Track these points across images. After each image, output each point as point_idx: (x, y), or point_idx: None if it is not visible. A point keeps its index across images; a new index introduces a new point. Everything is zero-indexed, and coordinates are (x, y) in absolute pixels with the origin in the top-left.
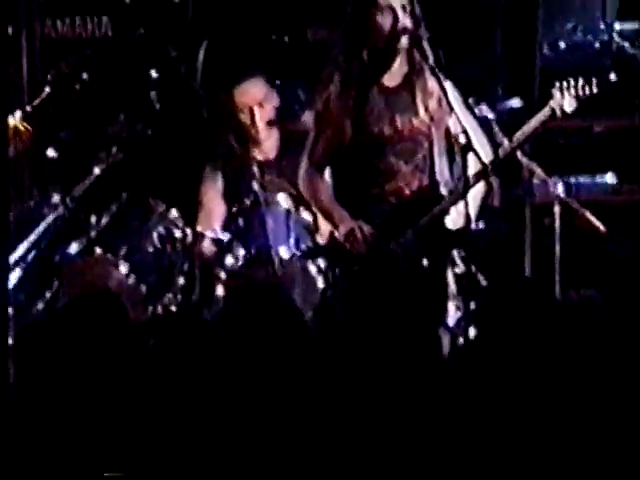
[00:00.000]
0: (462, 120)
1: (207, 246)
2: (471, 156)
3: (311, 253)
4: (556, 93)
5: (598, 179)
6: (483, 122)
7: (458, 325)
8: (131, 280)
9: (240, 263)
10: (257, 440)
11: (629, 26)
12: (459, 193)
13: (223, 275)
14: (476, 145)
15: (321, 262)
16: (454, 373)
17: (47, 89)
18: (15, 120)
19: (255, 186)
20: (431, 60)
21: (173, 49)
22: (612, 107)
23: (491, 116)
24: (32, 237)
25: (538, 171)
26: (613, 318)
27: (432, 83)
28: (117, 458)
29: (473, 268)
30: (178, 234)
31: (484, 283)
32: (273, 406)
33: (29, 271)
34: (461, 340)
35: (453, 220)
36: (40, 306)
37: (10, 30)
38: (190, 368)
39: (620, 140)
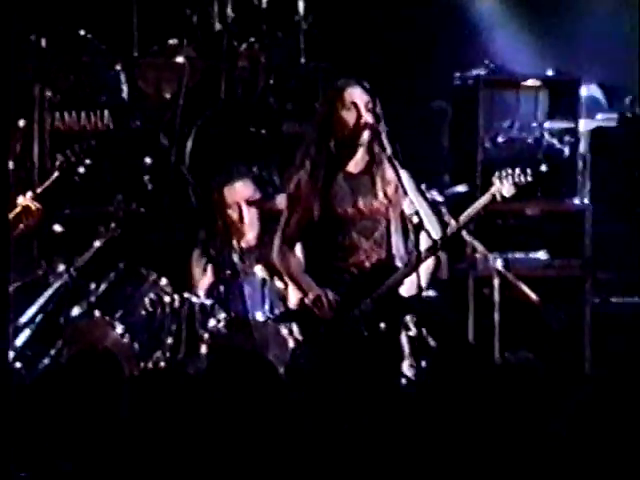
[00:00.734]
0: (415, 203)
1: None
2: (422, 234)
3: (283, 317)
4: (496, 181)
5: (532, 255)
6: (433, 205)
7: (411, 381)
8: (125, 339)
9: (221, 325)
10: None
11: (557, 125)
12: (412, 266)
13: (206, 336)
14: (427, 225)
15: (292, 325)
16: (407, 421)
17: (56, 173)
18: (26, 199)
19: (235, 258)
20: (389, 151)
21: (165, 139)
22: (543, 193)
23: (440, 200)
24: (40, 302)
25: (480, 248)
26: (546, 377)
27: (390, 171)
28: None
29: (424, 331)
30: (167, 299)
31: (433, 344)
32: (251, 447)
33: (37, 331)
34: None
35: (407, 289)
36: (46, 361)
37: (22, 122)
38: (177, 418)
39: (550, 221)
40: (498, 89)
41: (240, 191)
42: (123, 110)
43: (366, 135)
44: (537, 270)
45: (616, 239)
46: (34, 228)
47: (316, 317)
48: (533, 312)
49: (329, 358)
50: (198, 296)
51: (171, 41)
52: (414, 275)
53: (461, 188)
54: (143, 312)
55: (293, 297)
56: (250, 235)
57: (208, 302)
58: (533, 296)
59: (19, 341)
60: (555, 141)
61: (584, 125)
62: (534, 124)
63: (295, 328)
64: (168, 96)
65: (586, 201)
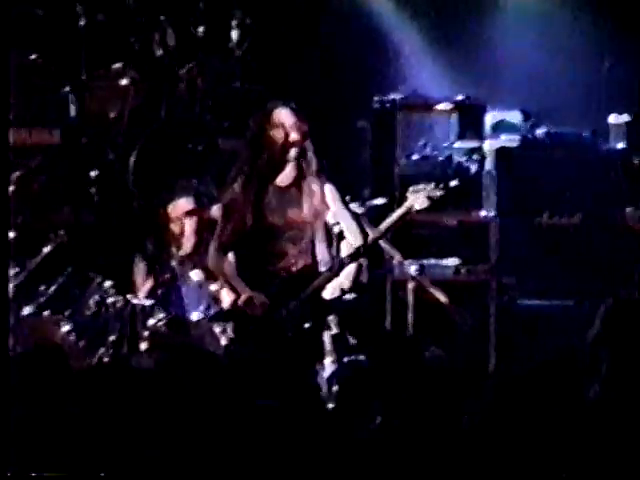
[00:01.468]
0: (338, 214)
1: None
2: (344, 242)
3: (217, 317)
4: (410, 195)
5: (443, 262)
6: (355, 216)
7: (333, 375)
8: (72, 337)
9: (160, 324)
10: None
11: (465, 144)
12: (335, 271)
13: (146, 334)
14: (349, 234)
15: (225, 324)
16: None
17: (11, 188)
18: None
19: (174, 264)
20: (315, 167)
21: (110, 154)
22: (453, 206)
23: (361, 211)
24: None
25: (396, 255)
26: (454, 372)
27: (315, 185)
28: None
29: (345, 330)
30: (111, 300)
31: (353, 342)
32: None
33: None
34: (335, 388)
35: (330, 292)
36: None
37: None
38: (120, 409)
39: (460, 231)
40: (414, 111)
41: (182, 207)
42: (72, 128)
43: (293, 152)
44: (448, 275)
45: (518, 246)
46: None
47: (247, 316)
48: (443, 312)
49: (258, 354)
50: (139, 298)
51: (116, 65)
52: (336, 279)
53: (380, 201)
54: (89, 312)
55: (226, 298)
56: (188, 243)
57: (148, 303)
58: (443, 298)
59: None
60: (464, 159)
61: (490, 145)
62: (445, 144)
63: (228, 327)
64: (113, 115)
65: (492, 213)
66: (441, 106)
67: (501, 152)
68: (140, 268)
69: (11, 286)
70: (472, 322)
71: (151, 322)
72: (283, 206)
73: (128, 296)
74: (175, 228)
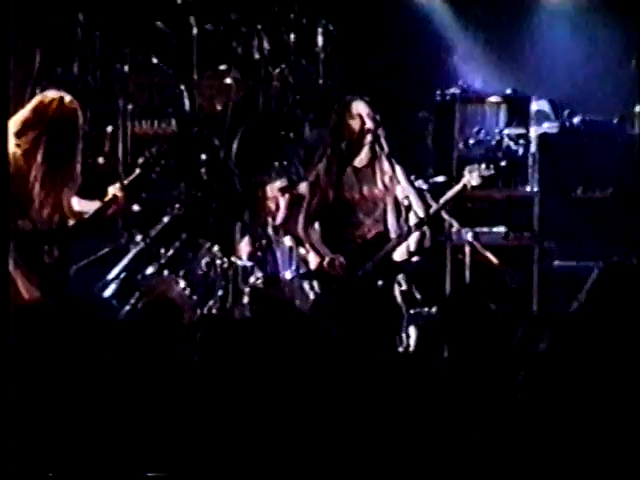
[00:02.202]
0: (405, 190)
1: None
2: (411, 213)
3: (306, 276)
4: (466, 173)
5: (494, 229)
6: (420, 191)
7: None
8: (187, 292)
9: (259, 282)
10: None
11: (513, 131)
12: (403, 237)
13: (247, 290)
14: (415, 206)
15: (312, 282)
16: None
17: (137, 170)
18: (115, 189)
19: (270, 231)
20: (386, 150)
21: (216, 140)
22: (503, 183)
23: (425, 187)
24: (123, 263)
25: (455, 224)
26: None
27: (387, 165)
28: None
29: (412, 287)
30: (218, 262)
31: (419, 297)
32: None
33: (120, 285)
34: (404, 334)
35: (399, 255)
36: (127, 308)
37: (110, 128)
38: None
39: (508, 204)
40: (469, 104)
41: (278, 188)
42: (185, 119)
43: (368, 138)
44: (498, 241)
45: (557, 217)
46: (121, 211)
47: (330, 276)
48: (495, 272)
49: (340, 307)
50: (241, 259)
51: (221, 67)
52: (405, 244)
53: (441, 179)
54: (200, 272)
55: (313, 261)
56: (281, 215)
57: (249, 264)
58: (495, 260)
59: (107, 293)
60: (512, 143)
61: (534, 131)
62: (496, 130)
63: (315, 284)
64: (219, 108)
65: (535, 189)
66: (492, 99)
67: (543, 137)
68: (241, 236)
69: (135, 251)
70: (519, 280)
71: (251, 280)
72: (360, 183)
73: (232, 258)
74: (271, 204)
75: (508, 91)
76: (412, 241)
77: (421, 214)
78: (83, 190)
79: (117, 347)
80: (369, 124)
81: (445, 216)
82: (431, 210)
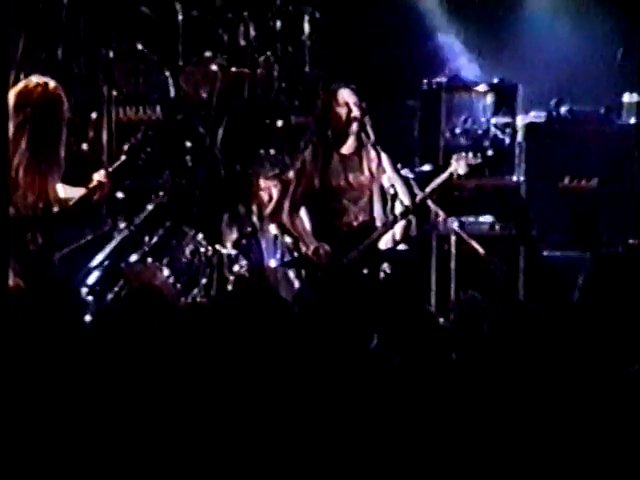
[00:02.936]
0: (391, 178)
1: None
2: (397, 202)
3: (291, 264)
4: (453, 162)
5: (480, 219)
6: (406, 180)
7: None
8: (170, 280)
9: (243, 270)
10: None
11: (500, 120)
12: (389, 226)
13: (232, 278)
14: (400, 195)
15: (298, 270)
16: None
17: (123, 157)
18: (100, 176)
19: (254, 219)
20: (372, 138)
21: (201, 128)
22: (489, 172)
23: (411, 176)
24: (107, 250)
25: (441, 212)
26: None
27: (373, 153)
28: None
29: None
30: (202, 250)
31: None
32: (268, 370)
33: (104, 273)
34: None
35: (385, 243)
36: (110, 296)
37: (94, 115)
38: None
39: (495, 193)
40: (456, 92)
41: (271, 181)
42: (170, 106)
43: (355, 126)
44: (484, 230)
45: (544, 206)
46: (105, 198)
47: (315, 264)
48: (480, 262)
49: (324, 295)
50: (226, 248)
51: (207, 54)
52: (390, 233)
53: (427, 167)
54: (184, 259)
55: (298, 249)
56: (271, 205)
57: (233, 252)
58: (480, 250)
59: (91, 280)
60: (499, 132)
61: (521, 120)
62: (483, 119)
63: (300, 272)
64: (204, 95)
65: (521, 178)
66: (479, 87)
67: (530, 126)
68: (227, 224)
69: (119, 238)
70: (504, 269)
71: (235, 268)
72: (346, 171)
73: (217, 246)
74: (264, 195)
75: (495, 80)
76: (398, 230)
77: (407, 202)
78: (67, 177)
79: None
80: (355, 112)
81: (431, 205)
82: (417, 199)
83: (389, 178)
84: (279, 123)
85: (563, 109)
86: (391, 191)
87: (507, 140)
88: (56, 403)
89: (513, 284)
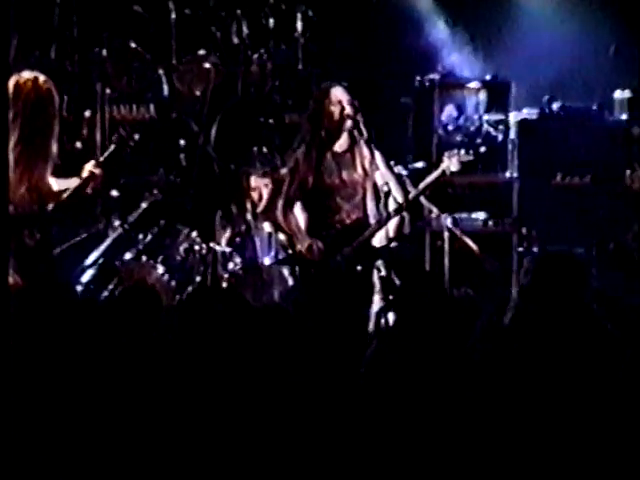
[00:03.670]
0: (385, 175)
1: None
2: (390, 199)
3: (285, 261)
4: (445, 159)
5: (473, 215)
6: (399, 177)
7: (381, 311)
8: (165, 278)
9: (237, 268)
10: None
11: (493, 117)
12: (382, 223)
13: (226, 276)
14: (394, 192)
15: (292, 268)
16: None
17: (113, 146)
18: (91, 166)
19: (248, 217)
20: (365, 136)
21: (195, 126)
22: (482, 168)
23: (404, 173)
24: (101, 248)
25: (434, 209)
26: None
27: (366, 151)
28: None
29: (391, 272)
30: (197, 248)
31: (398, 282)
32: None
33: (98, 271)
34: (382, 321)
35: (378, 240)
36: (105, 294)
37: (88, 113)
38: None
39: (488, 190)
40: (449, 89)
41: (262, 181)
42: (164, 104)
43: (348, 124)
44: (477, 227)
45: (536, 203)
46: (97, 190)
47: (309, 261)
48: (474, 258)
49: (318, 292)
50: (220, 245)
51: (200, 52)
52: (384, 230)
53: (420, 165)
54: (178, 257)
55: (292, 246)
56: (264, 204)
57: (228, 250)
58: (474, 246)
59: (85, 278)
60: (491, 129)
61: (513, 117)
62: (476, 116)
63: (294, 270)
64: (198, 93)
65: (515, 174)
66: (472, 84)
67: (522, 123)
68: (221, 222)
69: (114, 236)
70: (497, 266)
71: (230, 266)
72: (339, 169)
73: (211, 244)
74: (255, 194)
75: (488, 77)
76: (391, 227)
77: (400, 200)
78: (62, 175)
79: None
80: (348, 110)
81: (424, 202)
82: (410, 195)
83: (382, 175)
84: (272, 121)
85: (555, 106)
86: (384, 188)
87: (500, 137)
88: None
89: (506, 281)
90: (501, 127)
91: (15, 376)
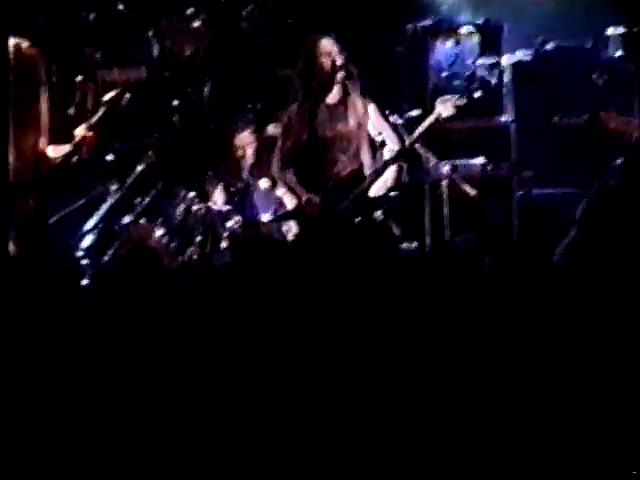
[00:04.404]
0: (379, 125)
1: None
2: (386, 148)
3: (284, 217)
4: (438, 105)
5: (472, 161)
6: (394, 126)
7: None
8: (165, 239)
9: (237, 226)
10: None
11: (487, 61)
12: (379, 172)
13: (226, 234)
14: (388, 141)
15: (291, 223)
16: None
17: (104, 107)
18: (82, 129)
19: (245, 174)
20: (358, 86)
21: (188, 86)
22: (478, 113)
23: (400, 122)
24: (99, 213)
25: (432, 157)
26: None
27: (359, 102)
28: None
29: (391, 222)
30: (195, 208)
31: (398, 233)
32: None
33: (98, 235)
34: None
35: (377, 190)
36: (106, 258)
37: (80, 77)
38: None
39: (485, 134)
40: (441, 35)
41: (244, 138)
42: (155, 65)
43: (339, 75)
44: (476, 172)
45: (534, 145)
46: (91, 154)
47: (308, 215)
48: (474, 204)
49: (321, 242)
50: (218, 204)
51: (189, 10)
52: (381, 179)
53: (415, 113)
54: (178, 218)
55: (289, 201)
56: (249, 162)
57: (225, 209)
58: (473, 192)
59: (85, 243)
60: (486, 74)
61: (507, 60)
62: (469, 61)
63: (293, 224)
64: (189, 53)
65: (511, 118)
66: (464, 29)
67: (517, 65)
68: (214, 182)
69: (112, 199)
70: (498, 210)
71: (229, 224)
72: (333, 121)
73: (209, 203)
74: (240, 152)
75: (480, 21)
76: (389, 176)
77: (396, 148)
78: (57, 142)
79: (98, 298)
80: (339, 61)
81: (421, 150)
82: (406, 143)
83: (376, 125)
84: (266, 77)
85: (549, 46)
86: (379, 138)
87: (494, 80)
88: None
89: (506, 223)
90: (495, 70)
91: (15, 350)
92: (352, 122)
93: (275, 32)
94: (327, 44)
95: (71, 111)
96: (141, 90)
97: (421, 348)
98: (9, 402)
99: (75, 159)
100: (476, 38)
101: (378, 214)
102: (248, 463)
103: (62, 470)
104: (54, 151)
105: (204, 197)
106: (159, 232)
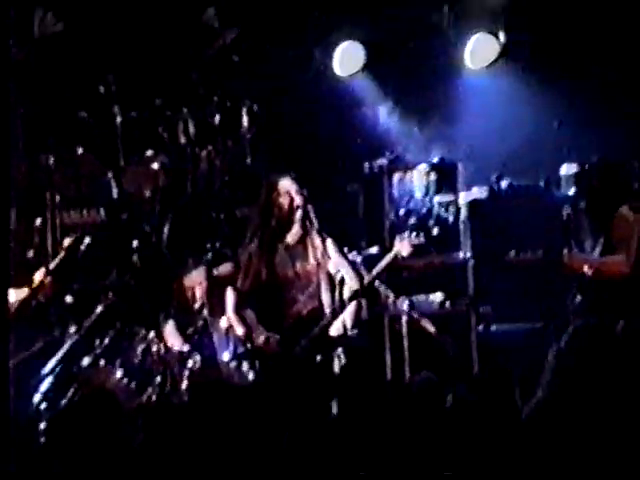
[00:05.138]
0: (338, 263)
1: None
2: (345, 287)
3: (243, 356)
4: (397, 243)
5: (430, 297)
6: (353, 264)
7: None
8: (124, 381)
9: (197, 366)
10: None
11: (444, 198)
12: (338, 311)
13: (186, 373)
14: (347, 279)
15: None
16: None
17: (62, 253)
18: (41, 275)
19: (205, 313)
20: (316, 225)
21: (147, 226)
22: (435, 250)
23: (358, 260)
24: (58, 356)
25: (390, 294)
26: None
27: (318, 240)
28: None
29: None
30: (154, 348)
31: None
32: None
33: (57, 378)
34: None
35: (336, 329)
36: (64, 401)
37: (39, 221)
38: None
39: (442, 270)
40: (398, 173)
41: (195, 279)
42: (114, 207)
43: (298, 214)
44: (435, 308)
45: (491, 281)
46: (50, 298)
47: (268, 354)
48: (433, 340)
49: (278, 383)
50: (177, 345)
51: (148, 153)
52: (340, 318)
53: (374, 250)
54: (136, 360)
55: (250, 340)
56: (199, 303)
57: (185, 348)
58: (431, 329)
59: (43, 387)
60: (442, 211)
61: (464, 197)
62: (426, 199)
63: (253, 363)
64: (148, 194)
65: (468, 254)
66: (420, 167)
67: (473, 203)
68: (169, 324)
69: (70, 342)
70: (456, 346)
71: (189, 364)
72: (292, 260)
73: (168, 344)
74: (188, 294)
75: (435, 159)
76: (348, 314)
77: (355, 286)
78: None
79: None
80: (298, 200)
81: (380, 287)
82: (365, 281)
83: (335, 264)
84: (223, 216)
85: (504, 184)
86: (339, 276)
87: (451, 218)
88: None
89: (465, 359)
90: (452, 208)
91: None
92: (312, 261)
93: (233, 172)
94: (286, 184)
95: (30, 254)
96: (100, 231)
97: None
98: None
99: (34, 303)
100: (432, 176)
101: (339, 352)
102: None
103: None
104: (13, 295)
105: (163, 337)
106: (118, 374)
